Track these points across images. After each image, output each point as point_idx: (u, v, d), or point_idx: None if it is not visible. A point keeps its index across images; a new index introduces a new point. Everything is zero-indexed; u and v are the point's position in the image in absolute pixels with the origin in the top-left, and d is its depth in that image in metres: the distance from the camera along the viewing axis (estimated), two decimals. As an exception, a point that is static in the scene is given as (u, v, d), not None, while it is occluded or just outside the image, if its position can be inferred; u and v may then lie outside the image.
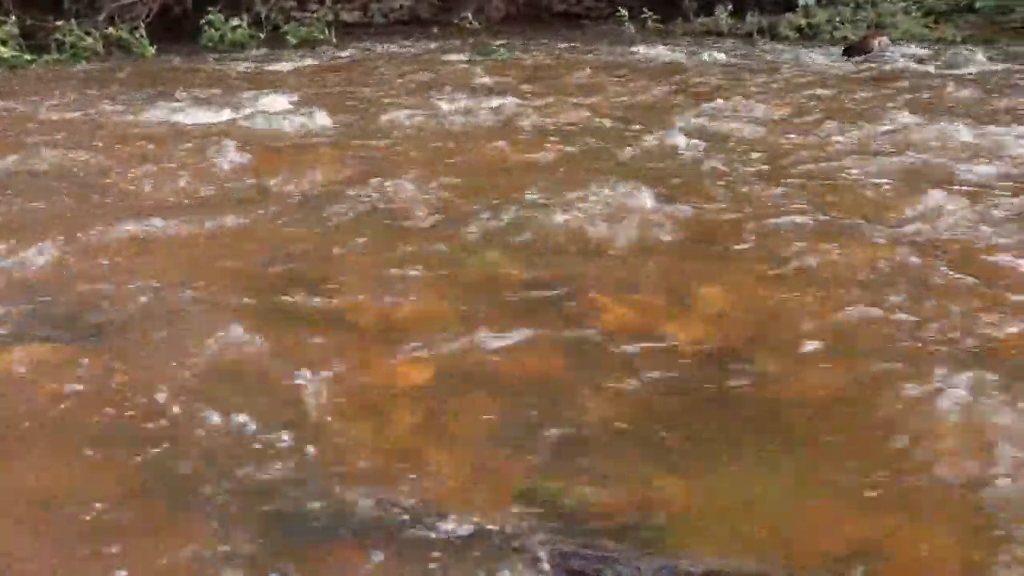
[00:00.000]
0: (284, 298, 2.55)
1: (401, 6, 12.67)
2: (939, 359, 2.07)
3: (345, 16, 12.27)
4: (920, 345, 2.18)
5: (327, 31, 10.30)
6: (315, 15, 11.10)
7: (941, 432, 1.79)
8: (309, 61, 8.38)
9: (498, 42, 9.65)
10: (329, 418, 1.98)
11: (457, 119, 4.96)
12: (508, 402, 2.03)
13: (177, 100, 5.86)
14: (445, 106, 5.40)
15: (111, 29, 9.08)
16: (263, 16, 10.36)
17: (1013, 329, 2.26)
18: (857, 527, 1.55)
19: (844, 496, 1.65)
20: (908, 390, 1.94)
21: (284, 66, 8.02)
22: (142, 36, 9.12)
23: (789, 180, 3.56)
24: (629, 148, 4.07)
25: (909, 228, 3.03)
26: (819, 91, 5.75)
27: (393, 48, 9.50)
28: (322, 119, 4.93)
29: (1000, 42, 8.31)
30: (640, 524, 1.59)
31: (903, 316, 2.33)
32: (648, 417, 1.93)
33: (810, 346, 2.21)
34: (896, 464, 1.72)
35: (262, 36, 9.93)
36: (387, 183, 3.65)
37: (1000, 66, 6.80)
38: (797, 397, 2.00)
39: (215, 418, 1.93)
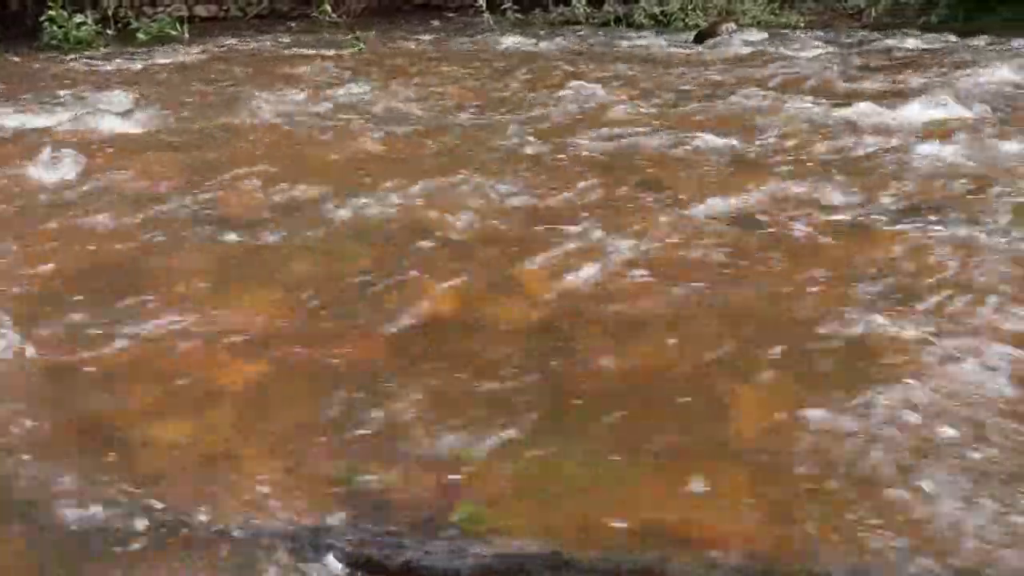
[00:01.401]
0: (107, 300, 2.49)
1: (259, 0, 12.40)
2: (759, 338, 2.15)
3: (200, 11, 11.94)
4: (741, 323, 2.27)
5: (179, 27, 9.98)
6: (167, 10, 10.75)
7: (758, 409, 1.87)
8: (159, 59, 8.10)
9: (357, 35, 9.55)
10: (145, 420, 1.95)
11: (306, 116, 4.90)
12: (330, 393, 2.03)
13: (8, 101, 5.59)
14: (295, 103, 5.32)
15: (-60, 28, 8.57)
16: (110, 12, 9.96)
17: (830, 310, 2.36)
18: (667, 506, 1.60)
19: (655, 474, 1.69)
20: (727, 367, 2.02)
21: (131, 65, 7.74)
22: (-24, 35, 8.65)
23: (625, 162, 3.67)
24: (472, 137, 4.12)
25: (734, 206, 3.15)
26: (664, 76, 5.94)
27: (249, 44, 9.28)
28: (163, 119, 4.80)
29: (838, 27, 8.74)
30: (448, 508, 1.62)
31: (725, 294, 2.43)
32: (465, 401, 1.97)
33: (632, 325, 2.29)
34: (713, 442, 1.79)
35: (110, 33, 9.54)
36: (224, 181, 3.59)
37: (833, 49, 7.15)
38: (618, 376, 2.05)
39: (20, 422, 1.87)
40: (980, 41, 7.25)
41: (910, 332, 2.13)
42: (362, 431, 1.88)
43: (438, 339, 2.28)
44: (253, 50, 8.71)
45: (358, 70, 6.74)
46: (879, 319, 2.19)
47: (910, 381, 1.90)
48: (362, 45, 8.53)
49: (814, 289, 2.43)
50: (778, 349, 2.09)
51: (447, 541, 1.45)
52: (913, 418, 1.77)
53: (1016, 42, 6.89)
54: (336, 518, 1.57)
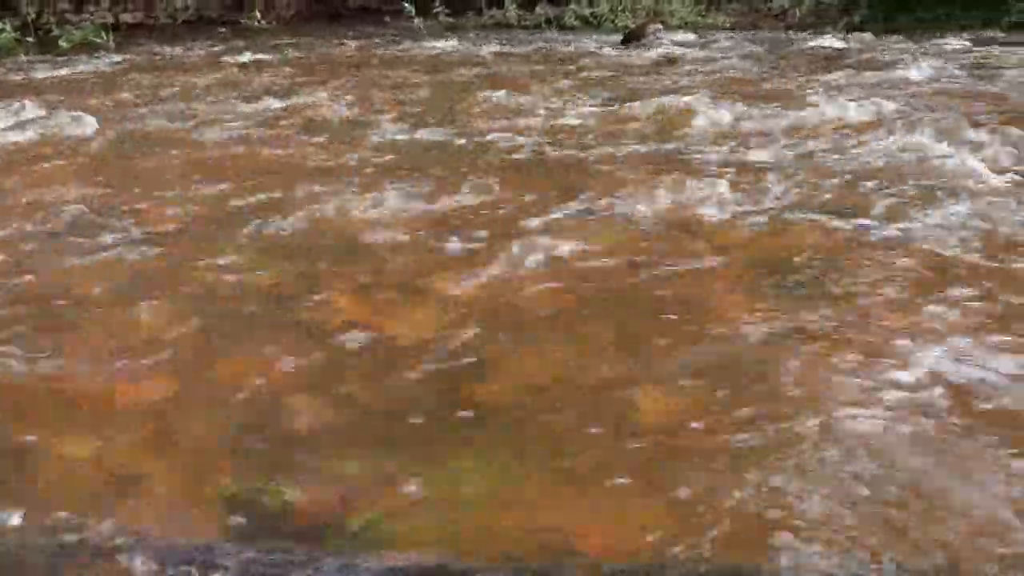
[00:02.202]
0: (6, 314, 2.42)
1: (187, 6, 12.21)
2: (665, 342, 2.16)
3: (127, 17, 11.73)
4: (647, 326, 2.28)
5: (104, 34, 9.78)
6: (91, 17, 10.54)
7: (658, 414, 1.89)
8: (81, 67, 7.93)
9: (287, 40, 9.46)
10: (44, 438, 1.90)
11: (225, 124, 4.83)
12: (233, 409, 2.00)
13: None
14: (216, 111, 5.25)
15: None
16: (30, 19, 9.72)
17: (732, 311, 2.39)
18: (566, 514, 1.59)
19: (554, 482, 1.69)
20: (630, 373, 2.03)
21: (52, 72, 7.56)
22: None
23: (543, 165, 3.68)
24: (389, 144, 4.10)
25: (649, 207, 3.17)
26: (590, 78, 5.98)
27: (176, 50, 9.13)
28: (80, 129, 4.69)
29: (762, 28, 8.89)
30: (343, 523, 1.60)
31: (634, 298, 2.44)
32: (370, 414, 1.95)
33: (541, 333, 2.28)
34: (613, 448, 1.80)
35: (31, 41, 9.32)
36: (137, 191, 3.53)
37: (756, 49, 7.27)
38: (522, 384, 2.04)
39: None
40: (897, 40, 7.43)
41: (817, 328, 2.18)
42: (263, 446, 1.86)
43: (344, 350, 2.26)
44: (179, 57, 8.58)
45: (283, 77, 6.67)
46: (784, 316, 2.23)
47: (814, 380, 1.93)
48: (289, 51, 8.46)
49: (718, 291, 2.46)
50: (682, 354, 2.11)
51: (340, 557, 1.44)
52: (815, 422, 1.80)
53: (929, 41, 7.08)
54: (230, 536, 1.55)
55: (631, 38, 8.28)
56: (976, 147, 3.49)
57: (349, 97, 5.16)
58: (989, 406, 1.84)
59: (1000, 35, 7.67)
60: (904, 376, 1.94)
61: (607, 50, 7.88)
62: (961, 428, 1.76)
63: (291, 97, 5.51)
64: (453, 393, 2.02)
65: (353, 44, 9.15)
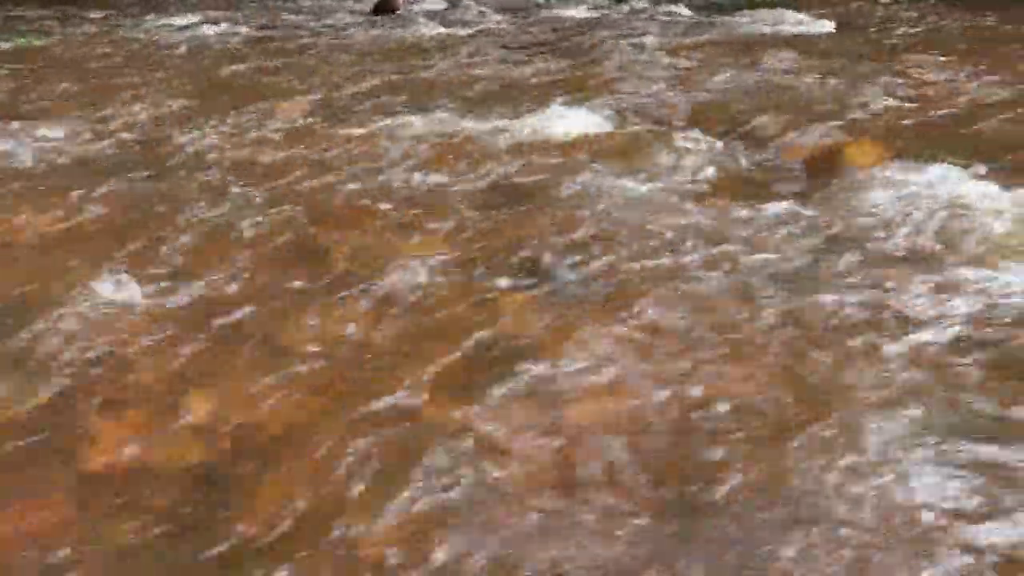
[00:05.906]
0: None
1: None
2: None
3: None
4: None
5: None
6: None
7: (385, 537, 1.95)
8: None
9: (25, 14, 8.46)
10: None
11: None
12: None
13: None
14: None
15: None
16: None
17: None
18: None
19: None
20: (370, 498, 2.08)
21: None
22: None
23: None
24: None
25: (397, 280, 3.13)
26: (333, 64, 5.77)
27: None
28: None
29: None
30: None
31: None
32: (100, 556, 1.94)
33: (286, 453, 2.26)
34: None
35: None
36: None
37: (505, 24, 7.27)
38: (269, 518, 2.04)
39: None
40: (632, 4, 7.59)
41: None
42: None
43: (89, 485, 2.19)
44: None
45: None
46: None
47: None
48: (26, 39, 7.69)
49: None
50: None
51: None
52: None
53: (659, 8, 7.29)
54: None
55: (382, 9, 8.16)
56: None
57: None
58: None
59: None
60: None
61: (352, 22, 7.58)
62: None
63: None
64: (197, 525, 2.02)
65: (96, 18, 8.23)
